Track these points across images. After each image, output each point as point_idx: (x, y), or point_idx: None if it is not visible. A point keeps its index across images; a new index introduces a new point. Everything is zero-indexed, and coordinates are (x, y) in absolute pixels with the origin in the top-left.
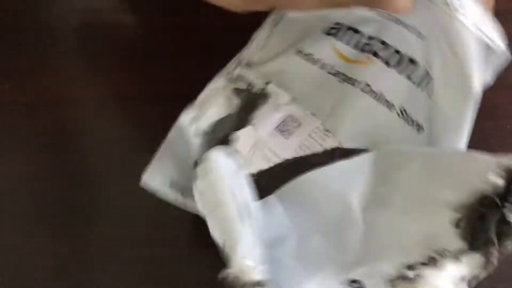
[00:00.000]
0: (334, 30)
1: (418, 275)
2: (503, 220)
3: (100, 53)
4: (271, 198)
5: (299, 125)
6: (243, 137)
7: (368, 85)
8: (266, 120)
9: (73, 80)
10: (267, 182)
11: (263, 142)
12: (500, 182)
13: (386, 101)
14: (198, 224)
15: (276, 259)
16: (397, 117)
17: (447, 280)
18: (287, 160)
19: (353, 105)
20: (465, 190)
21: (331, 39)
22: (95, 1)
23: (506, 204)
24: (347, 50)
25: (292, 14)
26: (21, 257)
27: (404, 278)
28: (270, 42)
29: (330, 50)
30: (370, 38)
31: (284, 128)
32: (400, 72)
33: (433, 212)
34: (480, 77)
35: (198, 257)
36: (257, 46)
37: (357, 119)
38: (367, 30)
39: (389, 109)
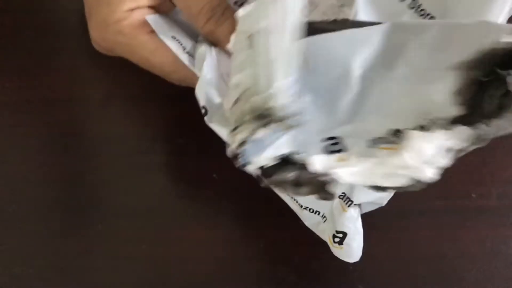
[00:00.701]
0: None
1: (403, 137)
2: (505, 93)
3: (100, 53)
4: None
5: (315, 7)
6: None
7: None
8: None
9: (73, 80)
10: None
11: None
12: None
13: None
14: (199, 223)
15: None
16: (407, 8)
17: (432, 147)
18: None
19: None
20: (473, 49)
21: None
22: None
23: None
24: None
25: None
26: (21, 257)
27: (388, 140)
28: None
29: None
30: None
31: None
32: None
33: (436, 79)
34: None
35: (199, 257)
36: None
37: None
38: None
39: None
